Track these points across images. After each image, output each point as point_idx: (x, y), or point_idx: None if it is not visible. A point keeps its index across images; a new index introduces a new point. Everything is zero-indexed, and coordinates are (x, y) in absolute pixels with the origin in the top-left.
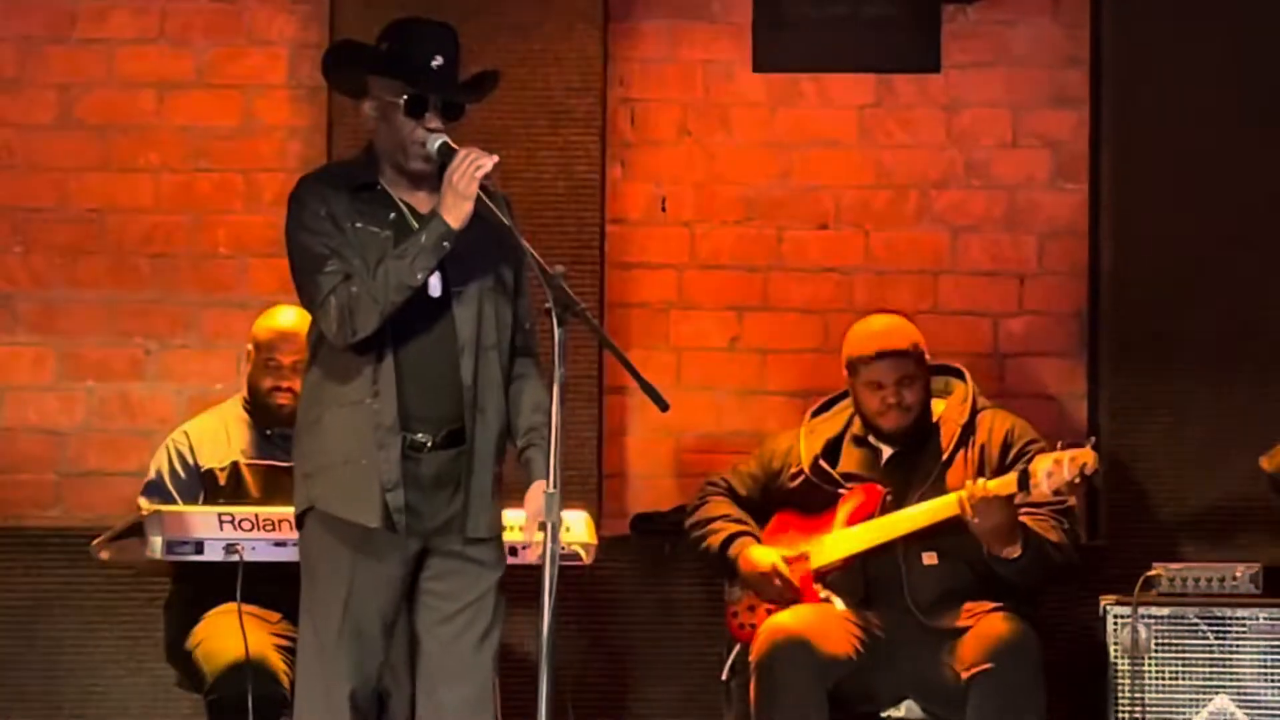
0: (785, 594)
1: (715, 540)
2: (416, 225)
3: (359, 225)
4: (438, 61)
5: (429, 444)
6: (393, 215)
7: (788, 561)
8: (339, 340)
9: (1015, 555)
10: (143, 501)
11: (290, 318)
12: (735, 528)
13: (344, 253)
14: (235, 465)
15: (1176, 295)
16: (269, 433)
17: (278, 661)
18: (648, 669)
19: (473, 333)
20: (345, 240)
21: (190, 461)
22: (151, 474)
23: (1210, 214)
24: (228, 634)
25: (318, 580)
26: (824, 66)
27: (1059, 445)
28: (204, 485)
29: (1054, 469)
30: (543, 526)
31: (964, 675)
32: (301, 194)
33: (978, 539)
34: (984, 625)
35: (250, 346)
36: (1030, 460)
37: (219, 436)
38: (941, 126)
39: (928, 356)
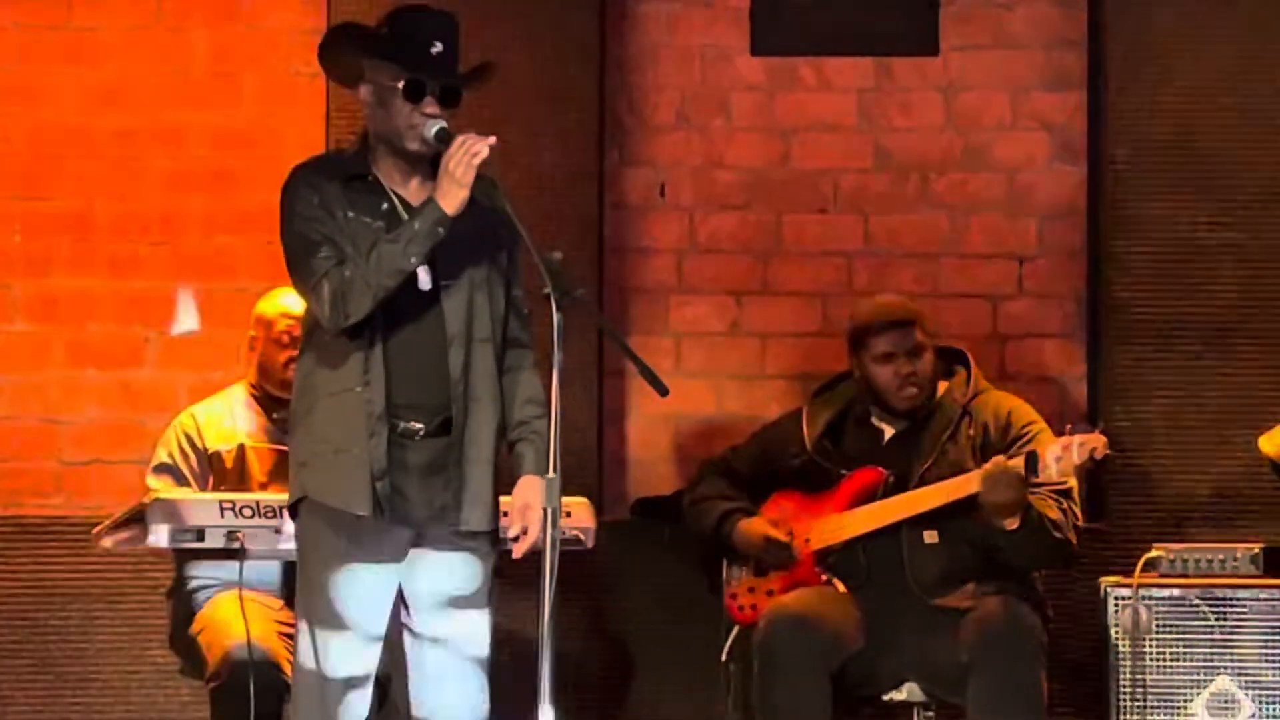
0: (784, 555)
1: (710, 519)
2: (406, 216)
3: (351, 215)
4: (437, 48)
5: (420, 432)
6: (385, 206)
7: (773, 524)
8: (332, 324)
9: (1014, 527)
10: (151, 480)
11: (294, 298)
12: (729, 505)
13: (337, 240)
14: (241, 448)
15: (1176, 276)
16: (275, 416)
17: (280, 649)
18: (648, 652)
19: (462, 326)
20: (338, 228)
21: (199, 444)
22: (162, 457)
23: (1209, 193)
24: (230, 621)
25: (311, 568)
26: (823, 50)
27: (1067, 429)
28: (211, 468)
29: (1063, 454)
30: (544, 513)
31: (965, 658)
32: (294, 182)
33: (980, 513)
34: (985, 607)
35: (254, 332)
36: (1033, 441)
37: (225, 420)
38: (940, 109)
39: (931, 333)
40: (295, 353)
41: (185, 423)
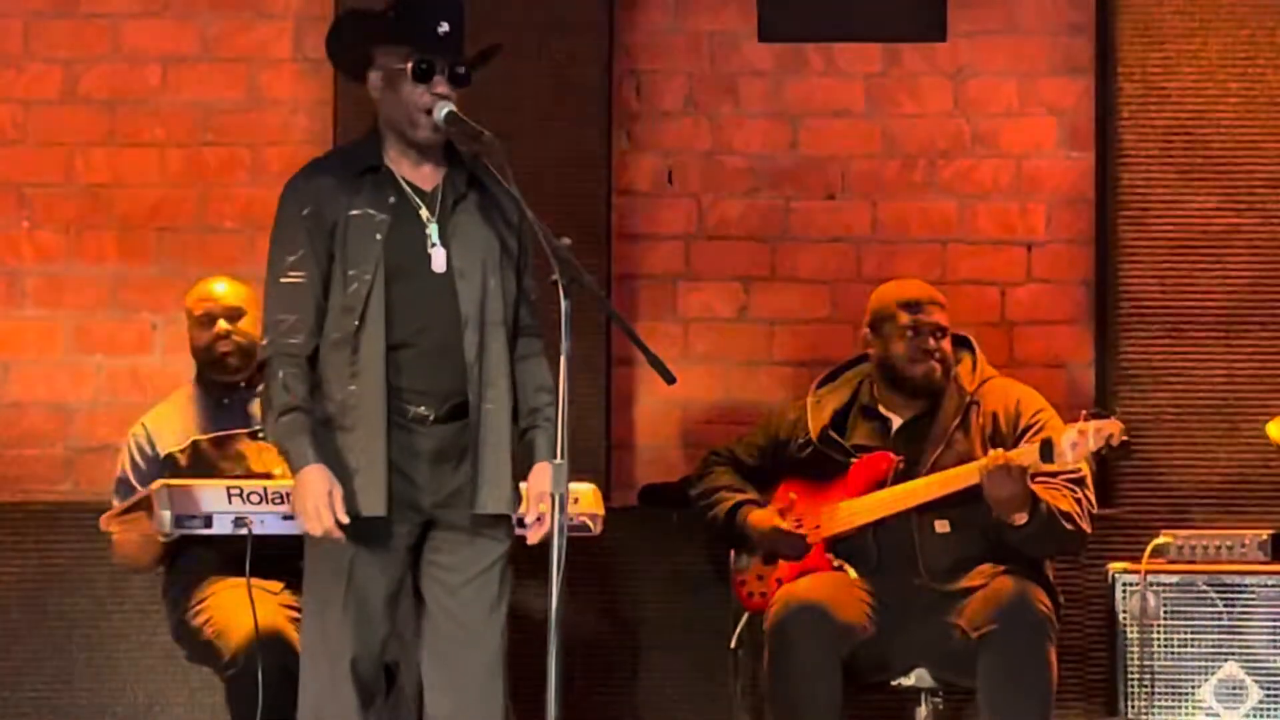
0: (796, 545)
1: (721, 510)
2: (419, 203)
3: (353, 214)
4: (444, 28)
5: (431, 417)
6: (392, 199)
7: (798, 527)
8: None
9: (1023, 522)
10: (115, 501)
11: (220, 284)
12: (739, 497)
13: (317, 254)
14: (195, 444)
15: (1185, 262)
16: (225, 401)
17: (292, 633)
18: (656, 639)
19: (476, 309)
20: (330, 234)
21: (149, 452)
22: (119, 472)
23: (1218, 179)
24: (240, 609)
25: (320, 558)
26: (831, 36)
27: (1082, 415)
28: (167, 471)
29: (1079, 440)
30: (551, 500)
31: (973, 636)
32: (288, 190)
33: (989, 505)
34: (993, 586)
35: (187, 326)
36: (1043, 430)
37: (174, 421)
38: (948, 95)
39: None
40: (217, 331)
41: (136, 433)
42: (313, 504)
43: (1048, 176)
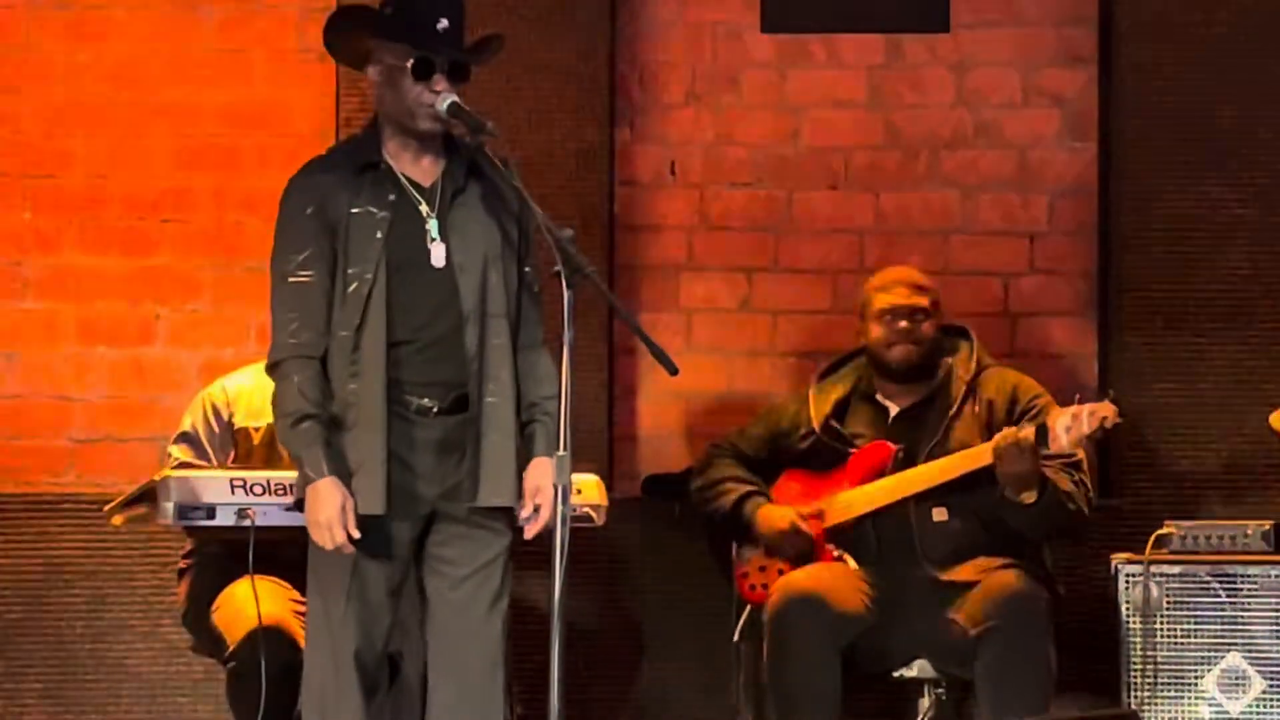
0: (804, 549)
1: (727, 501)
2: (418, 198)
3: (355, 211)
4: (443, 24)
5: (435, 409)
6: (392, 197)
7: (802, 518)
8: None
9: (1032, 501)
10: (173, 449)
11: None
12: (745, 488)
13: (322, 253)
14: (272, 426)
15: (1187, 253)
16: None
17: (297, 629)
18: (659, 630)
19: (476, 302)
20: (334, 231)
21: (225, 418)
22: (185, 425)
23: (1220, 170)
24: (246, 601)
25: (324, 551)
26: (833, 27)
27: (1076, 399)
28: (236, 444)
29: (1072, 424)
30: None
31: (973, 631)
32: (290, 190)
33: (997, 484)
34: (993, 580)
35: None
36: (1041, 414)
37: (257, 395)
38: (951, 86)
39: (941, 308)
40: None
41: (214, 394)
42: (325, 518)
43: (1050, 167)
